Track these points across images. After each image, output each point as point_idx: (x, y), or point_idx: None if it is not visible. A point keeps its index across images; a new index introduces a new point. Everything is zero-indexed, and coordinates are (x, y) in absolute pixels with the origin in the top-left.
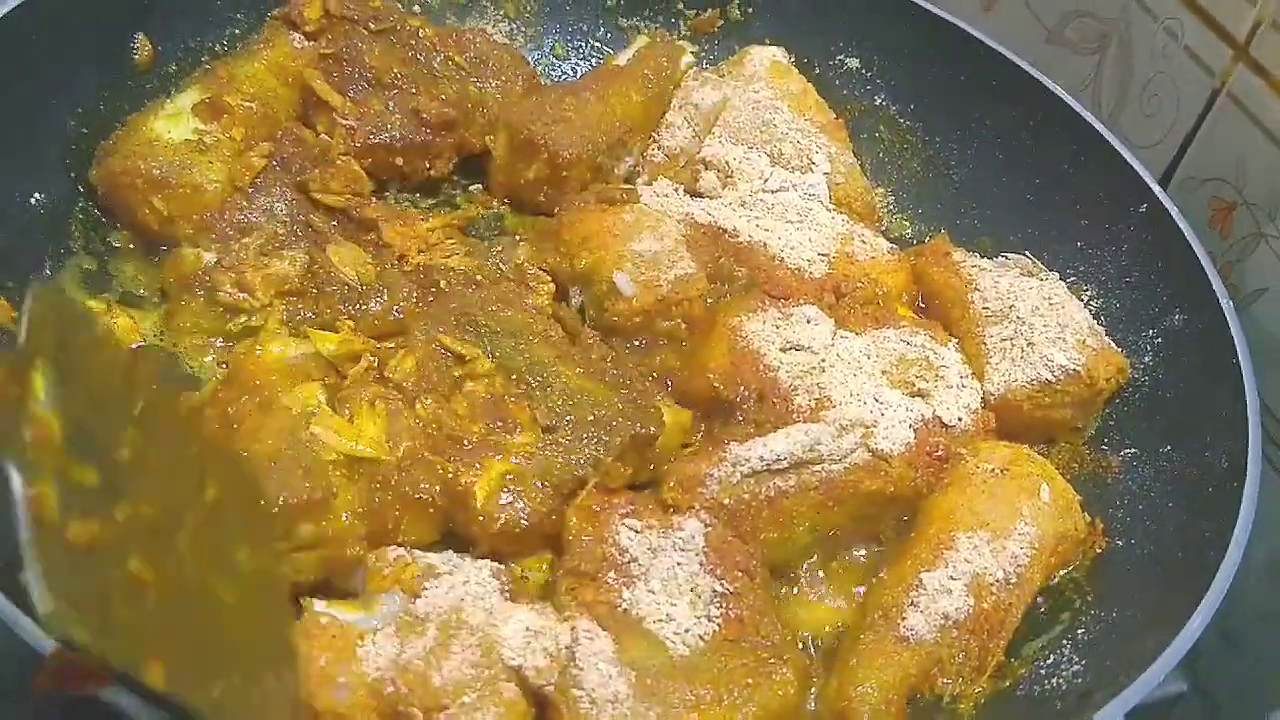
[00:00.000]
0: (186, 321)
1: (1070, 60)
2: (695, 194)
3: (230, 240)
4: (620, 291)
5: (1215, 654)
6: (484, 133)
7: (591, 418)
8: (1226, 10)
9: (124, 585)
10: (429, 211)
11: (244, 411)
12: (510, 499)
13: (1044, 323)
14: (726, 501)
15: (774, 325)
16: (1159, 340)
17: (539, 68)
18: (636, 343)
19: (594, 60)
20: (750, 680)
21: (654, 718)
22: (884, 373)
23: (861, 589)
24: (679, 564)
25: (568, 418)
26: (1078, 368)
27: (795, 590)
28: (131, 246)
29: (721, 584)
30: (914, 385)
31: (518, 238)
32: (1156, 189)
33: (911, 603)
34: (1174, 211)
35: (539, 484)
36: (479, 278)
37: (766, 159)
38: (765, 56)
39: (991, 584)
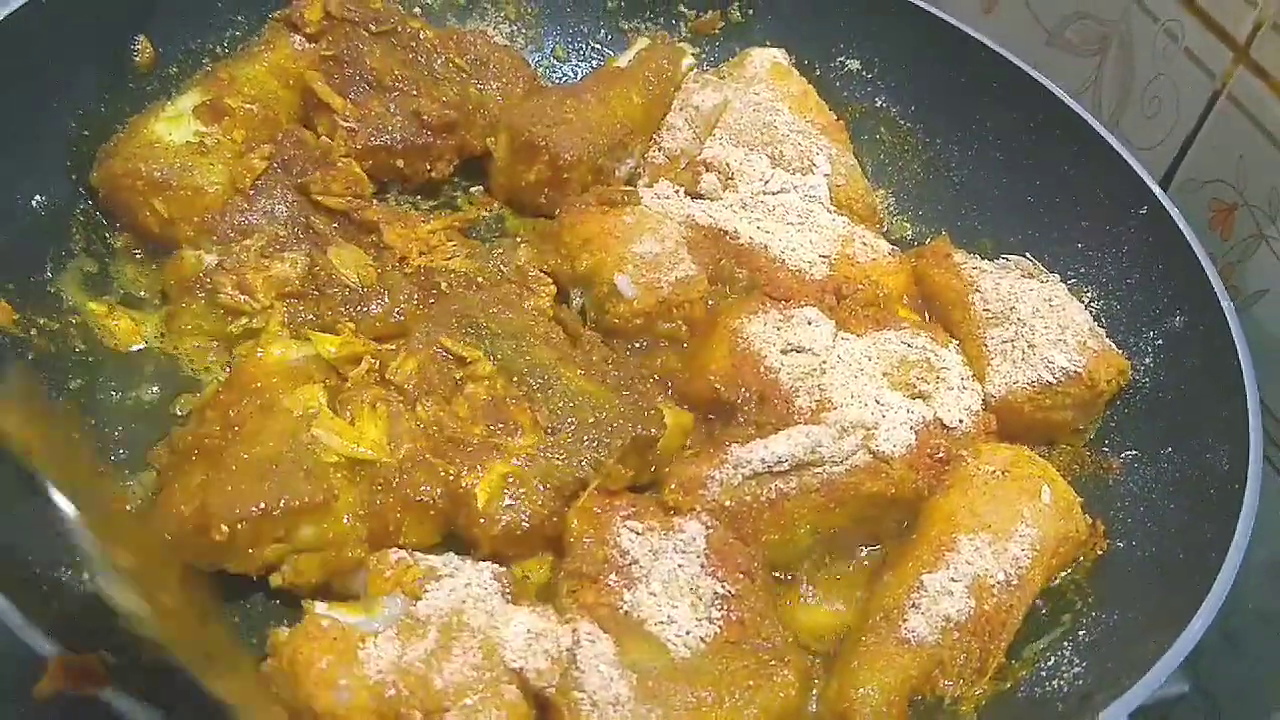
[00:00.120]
0: (187, 323)
1: (1071, 62)
2: (696, 196)
3: (231, 242)
4: (621, 293)
5: (1216, 655)
6: (485, 135)
7: (593, 420)
8: (1227, 12)
9: None
10: (430, 213)
11: (245, 414)
12: (511, 501)
13: (1045, 324)
14: (728, 503)
15: (775, 327)
16: (1160, 342)
17: (540, 70)
18: (637, 344)
19: (595, 62)
20: (751, 682)
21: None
22: (885, 374)
23: (862, 591)
24: (680, 566)
25: (569, 420)
26: (1079, 369)
27: (796, 592)
28: (132, 248)
29: (723, 586)
30: (915, 387)
31: (519, 240)
32: (1157, 190)
33: (913, 604)
34: (1174, 213)
35: (540, 486)
36: (480, 280)
37: (767, 161)
38: (766, 58)
39: (992, 585)
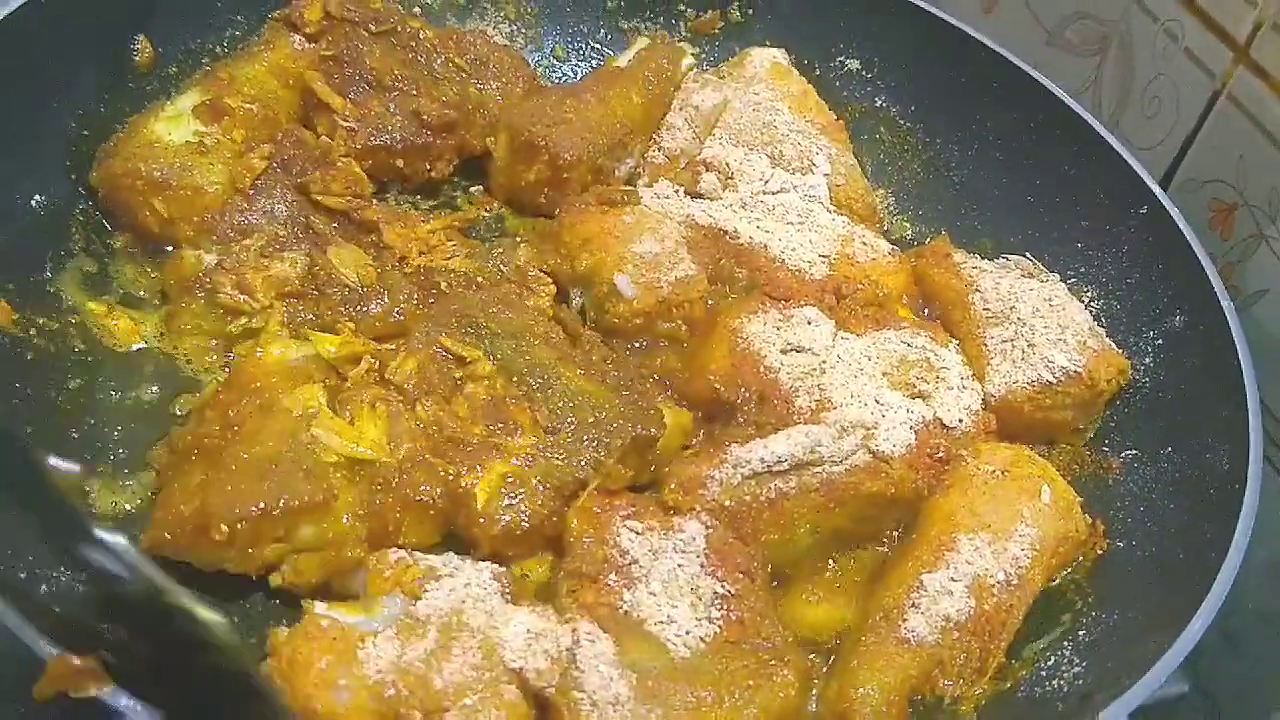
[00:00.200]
0: (187, 323)
1: (1071, 62)
2: (696, 195)
3: (231, 242)
4: (621, 293)
5: (1216, 655)
6: (484, 134)
7: (592, 419)
8: (1227, 12)
9: None
10: (430, 213)
11: (245, 413)
12: (511, 501)
13: (1045, 324)
14: (727, 503)
15: (775, 327)
16: (1160, 341)
17: (539, 69)
18: (637, 344)
19: (594, 62)
20: (751, 682)
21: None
22: (885, 374)
23: (862, 591)
24: (680, 566)
25: (569, 419)
26: (1078, 369)
27: (797, 589)
28: (132, 248)
29: (722, 585)
30: (915, 387)
31: (518, 239)
32: (1157, 190)
33: (912, 604)
34: (1175, 213)
35: (540, 486)
36: (480, 279)
37: (767, 160)
38: (765, 58)
39: (992, 585)
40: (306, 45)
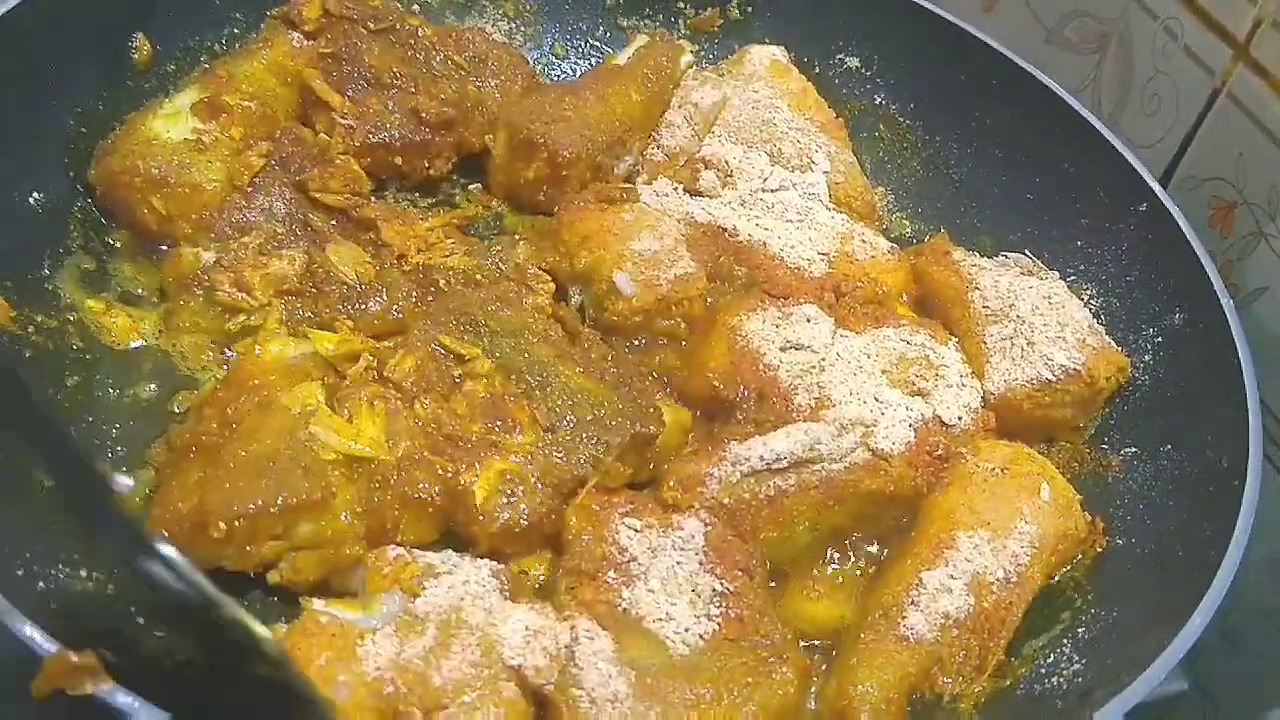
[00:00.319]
0: (185, 321)
1: (1070, 60)
2: (695, 193)
3: (229, 239)
4: (620, 291)
5: (1215, 653)
6: (483, 132)
7: (591, 417)
8: (1226, 10)
9: None
10: (428, 211)
11: (243, 411)
12: (510, 498)
13: (1044, 322)
14: (726, 501)
15: (774, 324)
16: (1159, 339)
17: (538, 67)
18: (636, 342)
19: (593, 59)
20: (750, 679)
21: (654, 717)
22: (884, 372)
23: (861, 589)
24: (679, 563)
25: (567, 417)
26: (1078, 367)
27: (796, 587)
28: (130, 246)
29: (721, 583)
30: (914, 384)
31: (517, 237)
32: (1157, 188)
33: (912, 601)
34: (1174, 210)
35: (539, 484)
36: (478, 277)
37: (766, 158)
38: (765, 55)
39: (992, 583)
40: (305, 43)
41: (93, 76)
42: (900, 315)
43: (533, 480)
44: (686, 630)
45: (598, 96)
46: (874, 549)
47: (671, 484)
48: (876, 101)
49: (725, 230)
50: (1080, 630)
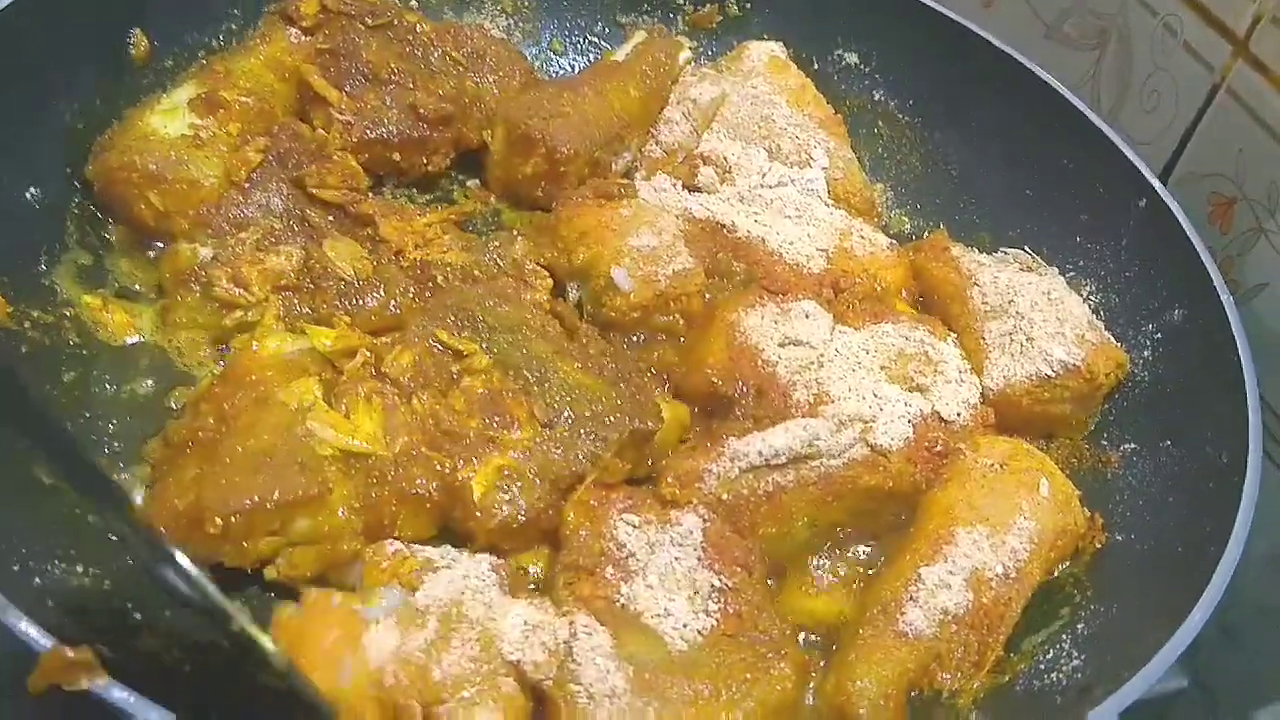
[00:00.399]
0: (183, 317)
1: (1069, 56)
2: (693, 189)
3: (226, 235)
4: (618, 286)
5: (1215, 649)
6: (481, 128)
7: (589, 413)
8: (1226, 6)
9: None
10: (426, 207)
11: (240, 407)
12: (508, 494)
13: (1043, 317)
14: (724, 497)
15: (772, 320)
16: (1159, 335)
17: (537, 63)
18: (634, 338)
19: (592, 56)
20: (749, 675)
21: (652, 713)
22: (883, 368)
23: (860, 585)
24: (677, 559)
25: (565, 413)
26: (1077, 362)
27: (795, 582)
28: (127, 241)
29: (720, 579)
30: (913, 380)
31: (515, 233)
32: (1156, 183)
33: (910, 597)
34: (1174, 206)
35: (537, 479)
36: (476, 273)
37: (765, 154)
38: (764, 52)
39: (990, 579)
40: (303, 39)
41: (90, 72)
42: (899, 311)
43: (531, 476)
44: (685, 626)
45: (596, 92)
46: (872, 545)
47: (670, 480)
48: (875, 98)
49: (724, 226)
50: (1080, 626)
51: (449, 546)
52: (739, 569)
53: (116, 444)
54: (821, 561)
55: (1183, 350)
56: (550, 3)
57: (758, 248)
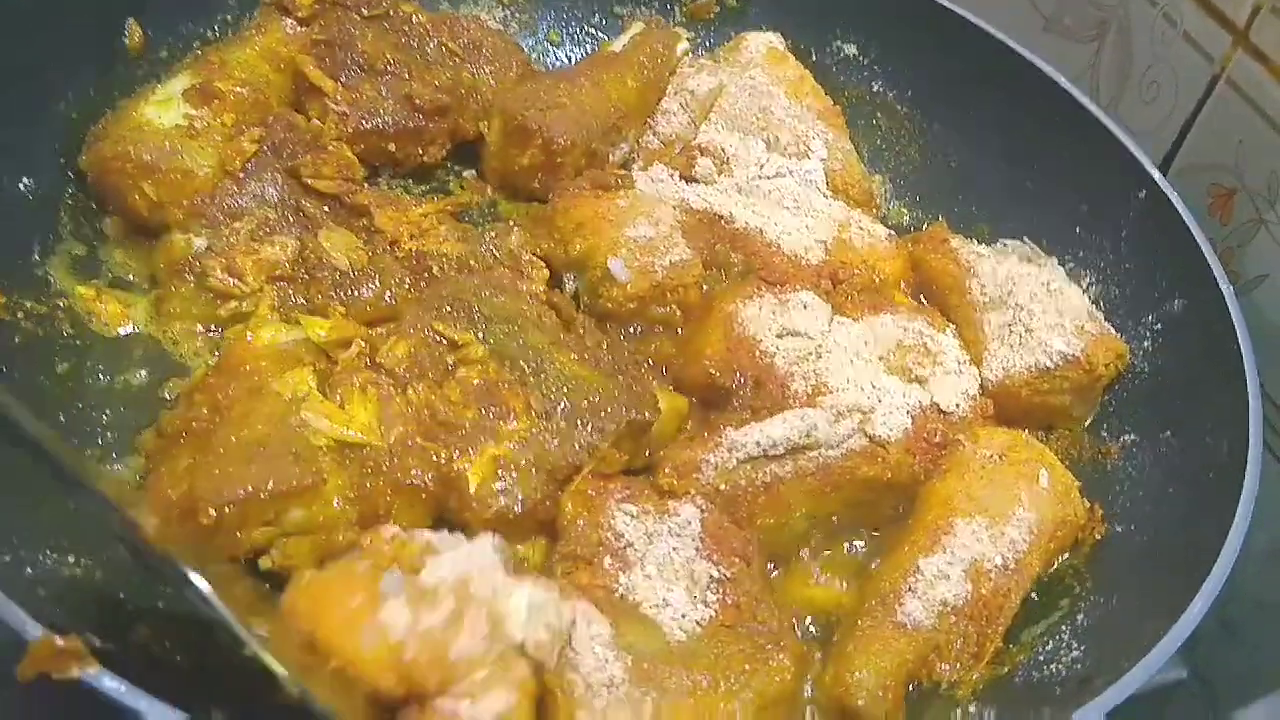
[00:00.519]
0: (177, 307)
1: (1069, 47)
2: (691, 180)
3: (221, 226)
4: (615, 277)
5: (1214, 642)
6: (477, 119)
7: (586, 403)
8: None
9: None
10: (422, 198)
11: (234, 397)
12: (504, 485)
13: (1043, 308)
14: (722, 487)
15: (770, 311)
16: (1159, 326)
17: (533, 54)
18: (632, 329)
19: (589, 47)
20: (747, 666)
21: (650, 704)
22: (881, 359)
23: (859, 576)
24: (675, 549)
25: (562, 404)
26: (1076, 353)
27: (798, 570)
28: (121, 232)
29: (718, 569)
30: (911, 371)
31: (511, 224)
32: (1156, 174)
33: (909, 589)
34: (1174, 197)
35: (533, 470)
36: (472, 263)
37: (763, 145)
38: (762, 43)
39: (990, 570)
40: (298, 29)
41: (84, 63)
42: (898, 302)
43: (527, 466)
44: (683, 616)
45: (593, 83)
46: (871, 536)
47: (668, 470)
48: (874, 89)
49: (721, 217)
50: (1079, 617)
51: (446, 531)
52: (737, 560)
53: (110, 435)
54: (820, 554)
55: (1183, 341)
56: None
57: (756, 239)
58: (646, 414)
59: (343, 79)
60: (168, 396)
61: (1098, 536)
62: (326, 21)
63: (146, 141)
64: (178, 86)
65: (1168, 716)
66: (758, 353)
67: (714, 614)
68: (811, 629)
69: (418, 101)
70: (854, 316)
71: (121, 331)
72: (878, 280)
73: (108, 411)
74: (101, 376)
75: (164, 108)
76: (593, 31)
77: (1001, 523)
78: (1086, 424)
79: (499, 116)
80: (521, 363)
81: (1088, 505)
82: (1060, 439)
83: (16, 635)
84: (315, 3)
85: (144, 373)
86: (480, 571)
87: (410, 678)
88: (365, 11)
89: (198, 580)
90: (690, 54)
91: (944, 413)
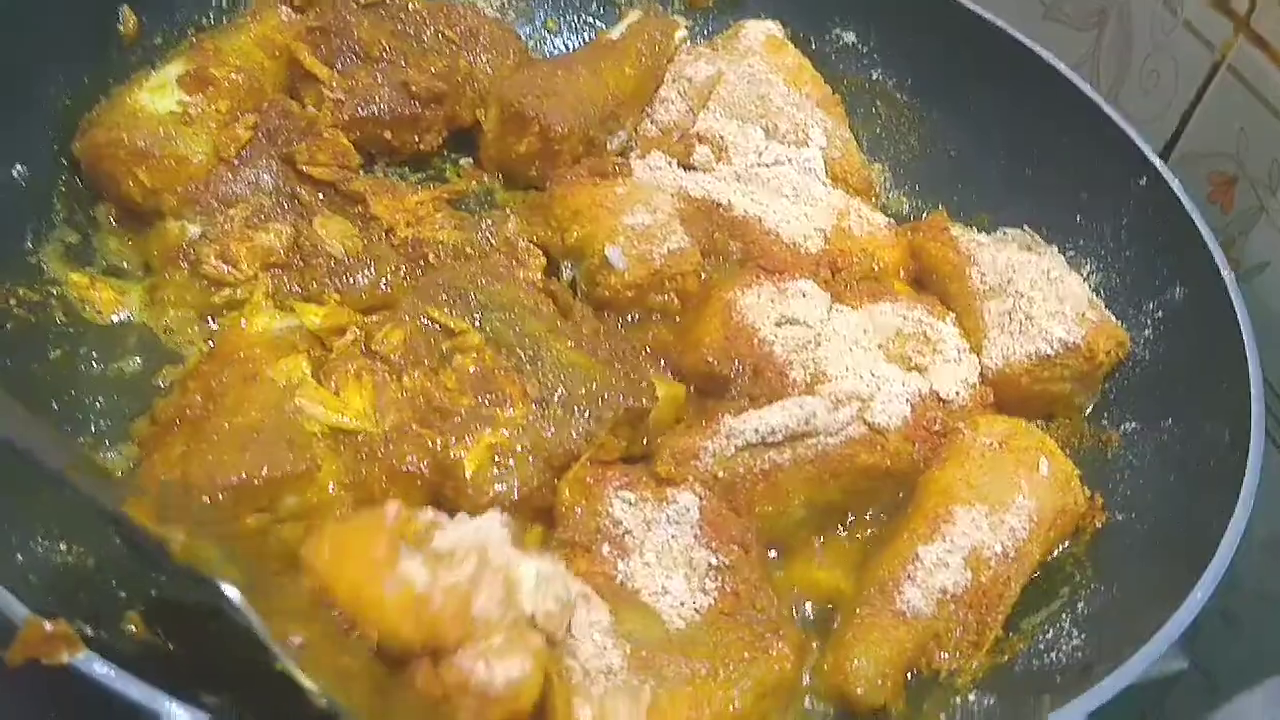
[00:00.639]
0: (171, 295)
1: (1069, 35)
2: (689, 168)
3: (215, 213)
4: (612, 265)
5: (1215, 633)
6: (474, 106)
7: (583, 391)
8: None
9: None
10: (418, 185)
11: (228, 384)
12: (500, 471)
13: (1043, 296)
14: (720, 474)
15: (769, 299)
16: (1159, 314)
17: (531, 43)
18: (629, 317)
19: (586, 35)
20: (747, 654)
21: (648, 691)
22: (880, 347)
23: (858, 564)
24: (673, 536)
25: (559, 391)
26: (1077, 341)
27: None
28: (115, 219)
29: (717, 557)
30: (911, 359)
31: (508, 212)
32: (1157, 162)
33: (908, 577)
34: (1174, 185)
35: (530, 457)
36: (468, 251)
37: (761, 133)
38: (760, 30)
39: (989, 558)
40: (294, 16)
41: (79, 49)
42: (897, 291)
43: (523, 453)
44: (682, 604)
45: (591, 71)
46: (871, 525)
47: (666, 457)
48: (873, 77)
49: (720, 205)
50: (1080, 605)
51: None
52: (736, 547)
53: (103, 422)
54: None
55: (1184, 329)
56: None
57: (754, 227)
58: (644, 401)
59: (338, 66)
60: (161, 384)
61: (1098, 525)
62: (322, 8)
63: (141, 128)
64: (172, 73)
65: (1168, 708)
66: (756, 341)
67: (713, 602)
68: (811, 617)
69: (414, 89)
70: (853, 305)
71: (115, 319)
72: (877, 268)
73: (101, 399)
74: (95, 364)
75: (158, 94)
76: (590, 19)
77: (1001, 511)
78: (1087, 412)
79: (496, 104)
80: (518, 350)
81: (1088, 493)
82: (1061, 427)
83: (7, 622)
84: None
85: (138, 360)
86: (493, 543)
87: (432, 629)
88: None
89: (229, 590)
90: (688, 42)
91: (944, 401)
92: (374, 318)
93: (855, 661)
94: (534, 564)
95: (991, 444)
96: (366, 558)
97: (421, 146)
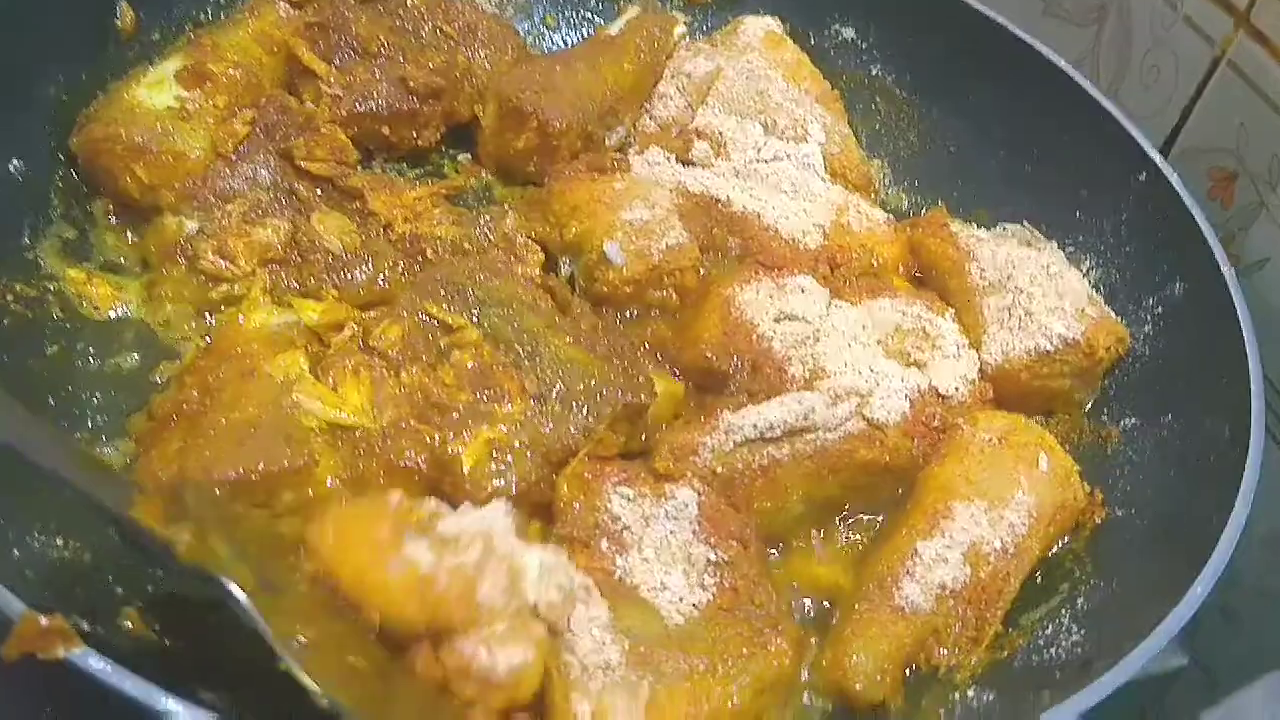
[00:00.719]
0: (168, 290)
1: (1068, 31)
2: (688, 163)
3: (213, 208)
4: (610, 261)
5: (1215, 630)
6: (472, 102)
7: (581, 387)
8: None
9: None
10: (416, 181)
11: (225, 380)
12: (498, 467)
13: (1042, 292)
14: (719, 470)
15: (768, 295)
16: (1159, 310)
17: (529, 38)
18: (628, 313)
19: (585, 31)
20: (745, 650)
21: (646, 686)
22: (879, 343)
23: (857, 561)
24: (672, 532)
25: (557, 387)
26: (1077, 337)
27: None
28: (112, 215)
29: (715, 553)
30: (910, 355)
31: (506, 207)
32: (1157, 158)
33: (907, 572)
34: (1174, 180)
35: (528, 452)
36: (466, 246)
37: (760, 129)
38: (759, 26)
39: (989, 554)
40: (291, 12)
41: (76, 44)
42: (896, 286)
43: (521, 449)
44: (681, 600)
45: (589, 66)
46: (870, 521)
47: (664, 453)
48: (873, 73)
49: (718, 201)
50: (1079, 601)
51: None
52: (734, 543)
53: (100, 418)
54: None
55: (1184, 325)
56: None
57: (753, 222)
58: (642, 397)
59: (336, 61)
60: (158, 380)
61: (1098, 520)
62: (320, 4)
63: (138, 123)
64: (170, 68)
65: (1168, 704)
66: (755, 337)
67: (711, 597)
68: (809, 613)
69: (412, 84)
70: (852, 300)
71: (112, 314)
72: (876, 264)
73: (98, 394)
74: (92, 360)
75: (156, 90)
76: (589, 15)
77: (1000, 506)
78: (1087, 408)
79: (494, 99)
80: (516, 346)
81: (1088, 489)
82: (1060, 423)
83: (3, 617)
84: None
85: (135, 356)
86: (497, 531)
87: (436, 609)
88: None
89: (235, 590)
90: (687, 37)
91: (943, 396)
92: (372, 313)
93: (854, 657)
94: (538, 553)
95: (991, 440)
96: (371, 540)
97: (419, 142)
